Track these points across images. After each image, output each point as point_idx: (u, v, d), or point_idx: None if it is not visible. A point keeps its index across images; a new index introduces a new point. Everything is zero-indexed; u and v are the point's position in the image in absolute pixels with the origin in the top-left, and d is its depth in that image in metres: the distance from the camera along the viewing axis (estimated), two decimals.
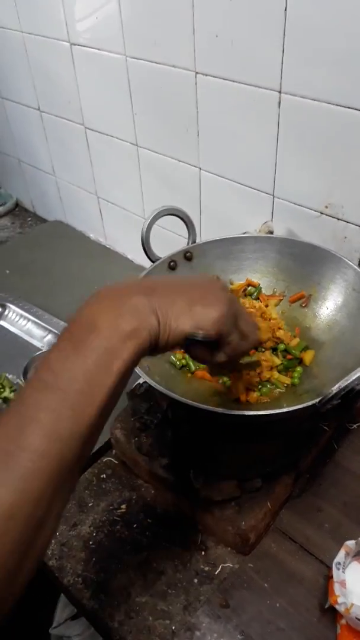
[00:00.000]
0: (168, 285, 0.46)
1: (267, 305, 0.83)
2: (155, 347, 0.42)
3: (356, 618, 0.60)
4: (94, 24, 1.03)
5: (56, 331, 1.12)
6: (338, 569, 0.65)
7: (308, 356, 0.76)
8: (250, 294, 0.84)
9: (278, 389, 0.74)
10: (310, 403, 0.55)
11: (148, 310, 0.41)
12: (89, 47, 1.07)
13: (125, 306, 0.40)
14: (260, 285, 0.85)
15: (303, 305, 0.82)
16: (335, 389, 0.51)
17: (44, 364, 0.38)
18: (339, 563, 0.66)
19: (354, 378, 0.51)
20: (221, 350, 0.48)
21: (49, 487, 0.35)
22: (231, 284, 0.86)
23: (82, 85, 1.16)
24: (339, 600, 0.62)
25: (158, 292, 0.43)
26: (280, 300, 0.84)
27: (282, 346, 0.77)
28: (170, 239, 1.12)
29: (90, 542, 0.77)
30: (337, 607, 0.62)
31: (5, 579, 0.33)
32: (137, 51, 0.98)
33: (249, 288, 0.85)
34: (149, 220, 0.78)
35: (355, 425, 0.89)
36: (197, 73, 0.89)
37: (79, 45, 1.09)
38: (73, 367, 0.37)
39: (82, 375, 0.37)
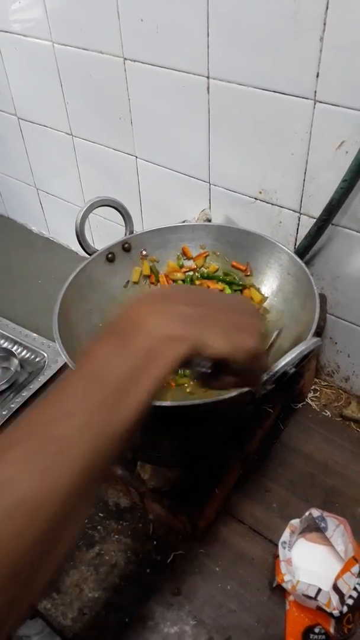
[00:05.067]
0: (210, 301, 0.46)
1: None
2: (191, 359, 0.41)
3: (302, 594, 0.62)
4: (17, 9, 0.99)
5: None
6: (284, 547, 0.67)
7: None
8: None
9: None
10: (244, 390, 0.55)
11: (194, 322, 0.41)
12: (14, 33, 1.03)
13: (173, 313, 0.40)
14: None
15: (247, 274, 0.83)
16: (266, 375, 0.52)
17: (91, 355, 0.38)
18: (285, 542, 0.67)
19: (283, 364, 0.51)
20: (238, 377, 0.47)
21: (78, 481, 0.33)
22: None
23: (11, 73, 1.12)
24: (286, 578, 0.64)
25: (202, 307, 0.43)
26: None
27: None
28: (113, 229, 1.11)
29: None
30: (284, 585, 0.64)
31: (25, 574, 0.30)
32: (64, 37, 0.95)
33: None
34: (82, 213, 0.76)
35: (299, 405, 0.91)
36: (125, 59, 0.87)
37: (3, 31, 1.05)
38: (120, 365, 0.37)
39: (128, 374, 0.36)
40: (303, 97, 0.70)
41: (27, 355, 1.05)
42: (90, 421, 0.34)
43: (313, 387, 0.95)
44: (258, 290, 0.80)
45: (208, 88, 0.79)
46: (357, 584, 0.62)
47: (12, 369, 1.02)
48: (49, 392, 0.37)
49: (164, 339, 0.38)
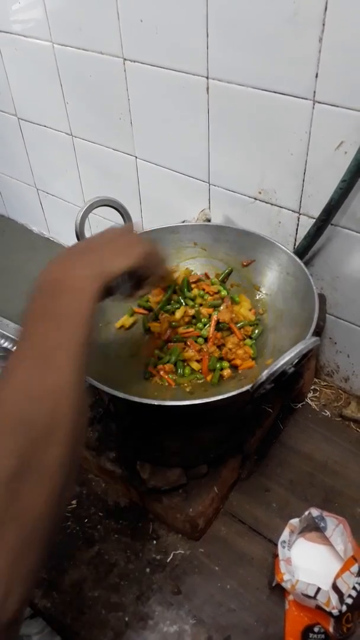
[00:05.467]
0: (101, 242, 0.60)
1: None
2: (108, 287, 0.54)
3: (301, 594, 0.62)
4: (17, 10, 0.99)
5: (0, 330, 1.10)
6: (283, 547, 0.67)
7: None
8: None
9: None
10: (243, 389, 0.56)
11: (95, 262, 0.54)
12: (15, 34, 1.03)
13: (80, 262, 0.54)
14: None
15: (244, 264, 0.83)
16: (265, 374, 0.52)
17: (33, 311, 0.50)
18: (284, 541, 0.67)
19: (281, 363, 0.51)
20: (153, 277, 0.62)
21: (72, 370, 0.45)
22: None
23: (11, 73, 1.12)
24: (285, 577, 0.64)
25: (97, 250, 0.57)
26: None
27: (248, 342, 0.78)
28: None
29: None
30: (283, 584, 0.64)
31: (78, 418, 0.43)
32: (64, 38, 0.95)
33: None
34: (82, 213, 0.76)
35: (299, 405, 0.91)
36: (125, 59, 0.88)
37: (3, 31, 1.05)
38: (61, 304, 0.50)
39: (70, 307, 0.49)
40: (302, 98, 0.70)
41: None
42: (65, 338, 0.47)
43: (313, 387, 0.95)
44: (257, 292, 0.81)
45: (207, 88, 0.79)
46: (357, 583, 0.62)
47: None
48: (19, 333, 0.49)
49: (81, 280, 0.51)
